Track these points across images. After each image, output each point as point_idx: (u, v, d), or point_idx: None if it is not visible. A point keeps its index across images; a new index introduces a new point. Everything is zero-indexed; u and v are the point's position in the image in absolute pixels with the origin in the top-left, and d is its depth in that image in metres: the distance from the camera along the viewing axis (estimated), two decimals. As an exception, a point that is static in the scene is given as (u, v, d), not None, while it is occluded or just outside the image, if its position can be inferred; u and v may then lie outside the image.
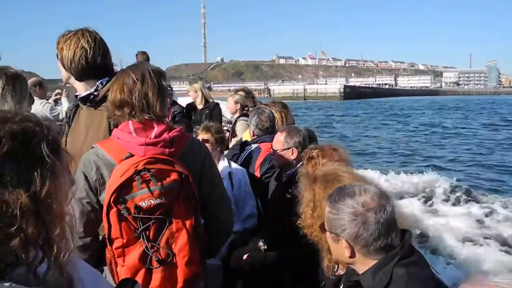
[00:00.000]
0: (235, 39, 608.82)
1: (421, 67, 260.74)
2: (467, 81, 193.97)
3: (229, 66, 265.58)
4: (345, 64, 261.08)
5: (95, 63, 1.79)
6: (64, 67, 1.82)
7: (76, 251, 1.49)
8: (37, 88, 4.34)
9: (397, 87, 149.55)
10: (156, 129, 1.55)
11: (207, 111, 4.81)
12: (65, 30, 1.81)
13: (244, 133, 3.76)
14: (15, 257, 0.72)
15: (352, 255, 1.33)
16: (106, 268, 1.60)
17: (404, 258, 1.30)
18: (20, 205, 0.70)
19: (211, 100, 5.00)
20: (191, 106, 5.01)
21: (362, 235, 1.30)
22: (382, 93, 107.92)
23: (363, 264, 1.34)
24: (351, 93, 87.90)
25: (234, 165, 2.89)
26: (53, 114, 4.16)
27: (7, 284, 0.71)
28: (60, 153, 0.79)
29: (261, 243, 2.60)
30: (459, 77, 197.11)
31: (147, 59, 4.81)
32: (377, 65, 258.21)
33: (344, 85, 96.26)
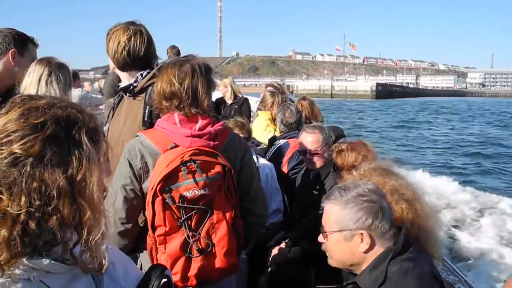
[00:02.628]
0: (251, 34, 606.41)
1: (442, 67, 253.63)
2: (493, 82, 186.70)
3: (245, 61, 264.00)
4: (363, 62, 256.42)
5: (137, 55, 1.85)
6: (110, 57, 1.90)
7: (117, 236, 1.55)
8: (76, 79, 4.65)
9: (420, 87, 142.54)
10: (200, 121, 1.58)
11: (236, 106, 4.89)
12: (116, 23, 1.88)
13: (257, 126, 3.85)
14: (52, 235, 0.76)
15: (370, 247, 1.33)
16: (141, 255, 1.64)
17: (399, 255, 1.31)
18: (57, 186, 0.74)
19: (240, 95, 5.06)
20: (220, 101, 5.08)
21: (380, 222, 1.32)
22: (411, 92, 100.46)
23: (367, 262, 1.34)
24: (383, 92, 79.21)
25: (262, 160, 2.92)
26: (87, 100, 4.42)
27: (47, 261, 0.75)
28: (98, 141, 0.82)
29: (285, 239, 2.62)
30: (485, 78, 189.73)
31: (178, 53, 4.89)
32: (396, 64, 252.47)
33: (377, 83, 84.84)
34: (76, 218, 0.77)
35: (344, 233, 1.35)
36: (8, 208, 0.71)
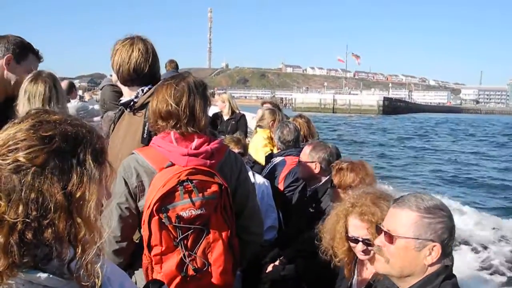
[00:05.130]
0: (240, 45, 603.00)
1: (432, 83, 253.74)
2: (487, 99, 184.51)
3: (234, 73, 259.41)
4: (354, 76, 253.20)
5: (141, 72, 1.82)
6: (114, 71, 1.87)
7: (111, 255, 1.54)
8: (73, 89, 4.68)
9: (417, 102, 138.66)
10: (196, 140, 1.56)
11: (233, 122, 4.90)
12: (125, 35, 1.86)
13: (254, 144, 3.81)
14: (49, 248, 0.76)
15: (435, 262, 1.28)
16: (136, 273, 1.62)
17: (448, 279, 1.29)
18: (55, 200, 0.74)
19: (237, 111, 5.08)
20: (216, 116, 5.01)
21: (451, 240, 1.30)
22: (412, 108, 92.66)
23: (420, 276, 1.30)
24: (389, 107, 71.43)
25: (258, 176, 2.88)
26: (83, 112, 4.38)
27: (44, 275, 0.75)
28: (102, 163, 0.82)
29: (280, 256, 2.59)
30: (478, 95, 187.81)
31: (176, 67, 4.97)
32: (387, 79, 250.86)
33: (384, 97, 76.19)
34: (71, 234, 0.76)
35: (418, 241, 1.29)
36: (5, 215, 0.71)
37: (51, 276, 0.75)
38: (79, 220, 0.76)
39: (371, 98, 74.88)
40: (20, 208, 0.71)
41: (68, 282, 0.77)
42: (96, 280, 0.80)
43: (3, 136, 0.76)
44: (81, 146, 0.78)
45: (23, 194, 0.71)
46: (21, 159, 0.72)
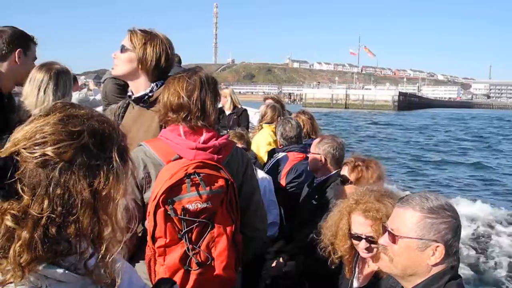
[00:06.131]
0: (246, 41, 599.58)
1: (440, 77, 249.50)
2: (498, 93, 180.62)
3: (240, 68, 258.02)
4: (361, 70, 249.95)
5: (170, 67, 1.84)
6: (140, 65, 1.79)
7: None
8: (75, 82, 4.67)
9: (429, 97, 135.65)
10: (205, 134, 1.57)
11: (235, 117, 4.91)
12: (134, 26, 1.83)
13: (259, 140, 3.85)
14: (69, 245, 0.75)
15: (438, 262, 1.29)
16: (137, 265, 1.61)
17: (454, 279, 1.29)
18: (81, 197, 0.73)
19: (239, 106, 5.08)
20: (219, 111, 4.95)
21: (455, 240, 1.29)
22: (424, 103, 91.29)
23: (424, 276, 1.30)
24: (404, 103, 70.25)
25: (260, 172, 2.88)
26: (86, 103, 4.44)
27: (61, 270, 0.75)
28: (126, 161, 0.82)
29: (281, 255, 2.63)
30: (490, 89, 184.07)
31: (179, 61, 4.77)
32: (395, 73, 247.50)
33: (399, 92, 74.29)
34: (95, 232, 0.76)
35: (421, 241, 1.29)
36: (30, 209, 0.70)
37: (66, 271, 0.75)
38: (105, 217, 0.75)
39: (386, 93, 72.54)
40: (45, 203, 0.70)
41: (82, 278, 0.77)
42: (116, 277, 0.80)
43: (29, 128, 0.75)
44: (108, 143, 0.78)
45: (50, 189, 0.70)
46: (50, 153, 0.72)
